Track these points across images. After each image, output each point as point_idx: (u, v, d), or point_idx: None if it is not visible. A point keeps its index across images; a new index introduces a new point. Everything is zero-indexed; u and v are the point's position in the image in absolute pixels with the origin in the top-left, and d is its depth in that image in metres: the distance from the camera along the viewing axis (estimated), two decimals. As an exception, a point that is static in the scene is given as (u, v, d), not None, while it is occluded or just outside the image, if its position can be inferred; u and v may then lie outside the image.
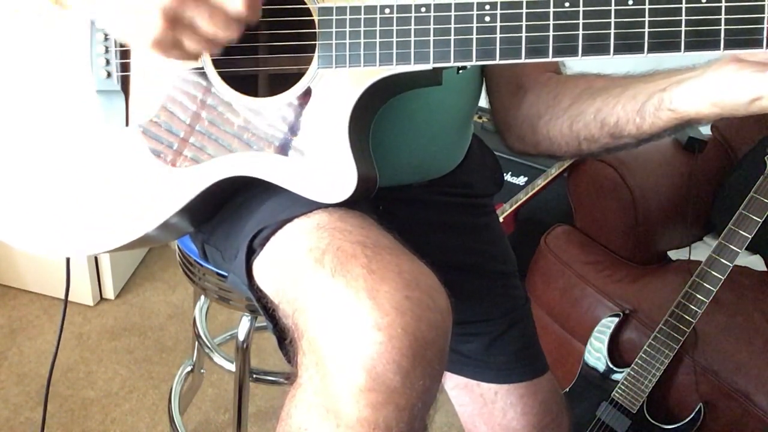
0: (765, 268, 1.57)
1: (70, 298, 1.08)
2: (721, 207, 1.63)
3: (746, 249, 1.28)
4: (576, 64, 0.91)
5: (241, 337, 1.06)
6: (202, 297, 1.30)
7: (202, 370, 1.48)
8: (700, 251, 1.51)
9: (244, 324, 1.06)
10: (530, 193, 1.81)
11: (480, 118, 1.87)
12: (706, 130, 1.73)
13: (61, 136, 0.78)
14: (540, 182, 1.81)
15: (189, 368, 1.46)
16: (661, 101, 0.69)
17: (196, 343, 1.35)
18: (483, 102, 0.95)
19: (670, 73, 0.71)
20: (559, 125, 0.82)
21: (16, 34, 0.78)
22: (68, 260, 1.03)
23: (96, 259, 1.86)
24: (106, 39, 0.74)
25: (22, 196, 0.80)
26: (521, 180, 1.89)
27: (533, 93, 0.86)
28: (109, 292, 1.92)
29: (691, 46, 0.59)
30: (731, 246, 1.26)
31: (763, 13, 0.57)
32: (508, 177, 1.88)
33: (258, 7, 0.63)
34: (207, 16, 0.61)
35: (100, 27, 0.73)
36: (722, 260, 1.26)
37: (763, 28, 0.57)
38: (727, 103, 0.64)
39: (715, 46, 0.59)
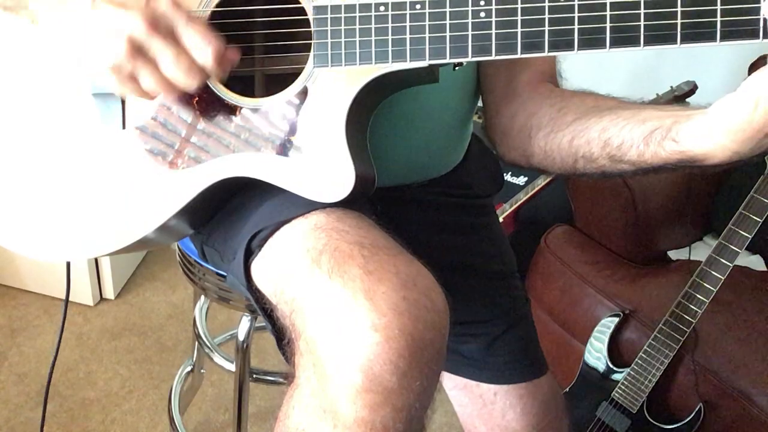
0: (765, 268, 1.57)
1: (70, 298, 1.08)
2: (721, 207, 1.62)
3: (746, 249, 1.27)
4: (573, 77, 0.90)
5: (241, 337, 1.06)
6: (202, 297, 1.30)
7: (202, 370, 1.49)
8: (700, 251, 1.51)
9: (244, 324, 1.06)
10: (530, 193, 1.82)
11: (480, 118, 1.87)
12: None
13: (58, 139, 0.78)
14: (540, 182, 1.81)
15: (189, 368, 1.46)
16: (669, 131, 0.67)
17: (196, 343, 1.35)
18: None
19: (687, 108, 0.68)
20: (559, 138, 0.78)
21: (10, 38, 0.77)
22: (68, 262, 1.03)
23: (96, 259, 1.86)
24: None
25: (19, 200, 0.79)
26: (521, 180, 1.89)
27: (534, 103, 0.84)
28: (109, 292, 1.92)
29: (687, 39, 0.59)
30: (731, 246, 1.25)
31: (759, 3, 0.56)
32: (508, 177, 1.88)
33: (227, 68, 0.64)
34: (173, 56, 0.61)
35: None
36: (722, 260, 1.26)
37: (759, 18, 0.57)
38: (731, 122, 0.60)
39: (711, 38, 0.58)
